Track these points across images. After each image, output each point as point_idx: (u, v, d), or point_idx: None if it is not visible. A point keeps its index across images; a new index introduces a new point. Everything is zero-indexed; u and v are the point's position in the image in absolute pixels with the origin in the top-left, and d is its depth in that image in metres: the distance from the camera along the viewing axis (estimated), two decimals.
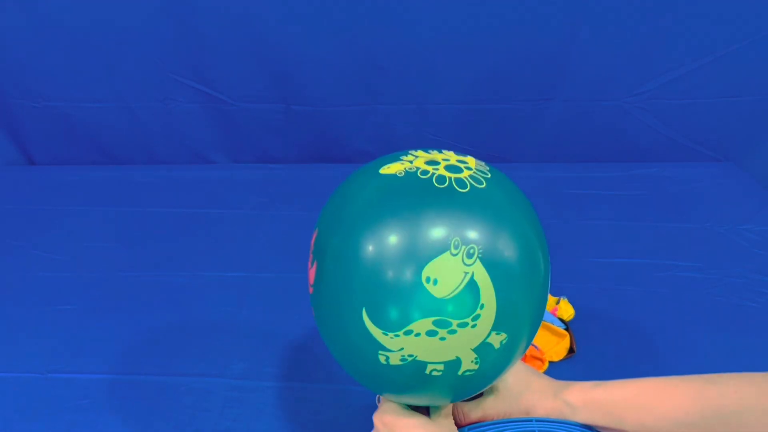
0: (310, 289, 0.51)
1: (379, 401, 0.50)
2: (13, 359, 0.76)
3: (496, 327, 0.44)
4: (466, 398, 0.51)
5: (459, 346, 0.44)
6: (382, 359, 0.45)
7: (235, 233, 0.99)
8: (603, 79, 1.06)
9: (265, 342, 0.78)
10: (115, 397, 0.71)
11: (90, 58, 1.07)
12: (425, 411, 0.49)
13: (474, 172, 0.49)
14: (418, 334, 0.43)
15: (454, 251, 0.42)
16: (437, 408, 0.49)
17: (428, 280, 0.42)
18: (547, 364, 0.72)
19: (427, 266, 0.42)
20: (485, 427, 0.48)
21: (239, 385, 0.72)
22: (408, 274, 0.43)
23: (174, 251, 0.95)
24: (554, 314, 0.78)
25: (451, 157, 0.51)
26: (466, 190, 0.46)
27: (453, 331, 0.43)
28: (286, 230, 0.99)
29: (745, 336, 0.76)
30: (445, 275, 0.42)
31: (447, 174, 0.47)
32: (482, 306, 0.43)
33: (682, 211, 1.01)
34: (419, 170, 0.48)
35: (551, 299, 0.80)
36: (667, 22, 0.98)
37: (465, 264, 0.42)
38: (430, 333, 0.43)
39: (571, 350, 0.74)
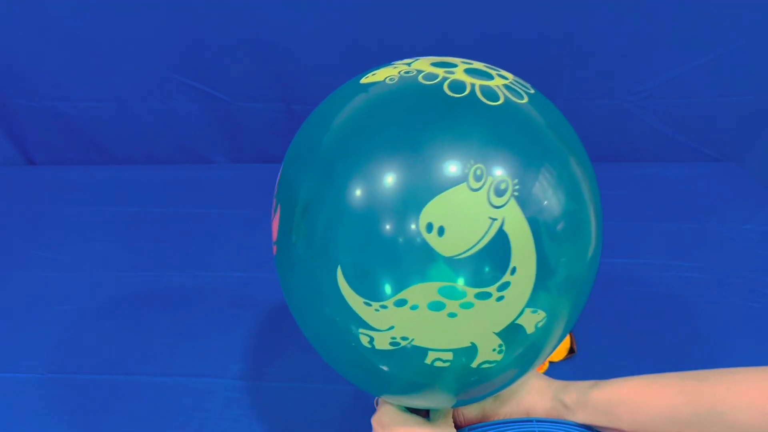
0: (274, 248, 0.40)
1: (377, 404, 0.50)
2: (13, 359, 0.76)
3: (533, 302, 0.32)
4: (475, 401, 0.46)
5: (476, 327, 0.32)
6: (364, 341, 0.33)
7: (235, 233, 0.99)
8: (603, 77, 1.06)
9: (265, 342, 0.78)
10: (115, 397, 0.71)
11: (90, 58, 1.07)
12: (425, 413, 0.49)
13: (511, 83, 0.36)
14: (414, 307, 0.31)
15: (474, 184, 0.30)
16: (437, 410, 0.49)
17: (430, 227, 0.30)
18: (547, 365, 0.72)
19: (429, 205, 0.29)
20: (485, 428, 0.48)
21: (239, 385, 0.72)
22: (399, 218, 0.30)
23: (174, 251, 0.95)
24: None
25: (474, 63, 0.37)
26: (498, 102, 0.33)
27: (468, 305, 0.31)
28: None
29: (746, 336, 0.76)
30: (459, 220, 0.30)
31: (468, 79, 0.34)
32: (514, 270, 0.31)
33: (682, 210, 1.01)
34: (422, 74, 0.34)
35: None
36: (667, 20, 0.98)
37: (491, 204, 0.30)
38: (434, 306, 0.31)
39: (571, 350, 0.74)
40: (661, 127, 1.12)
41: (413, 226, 0.30)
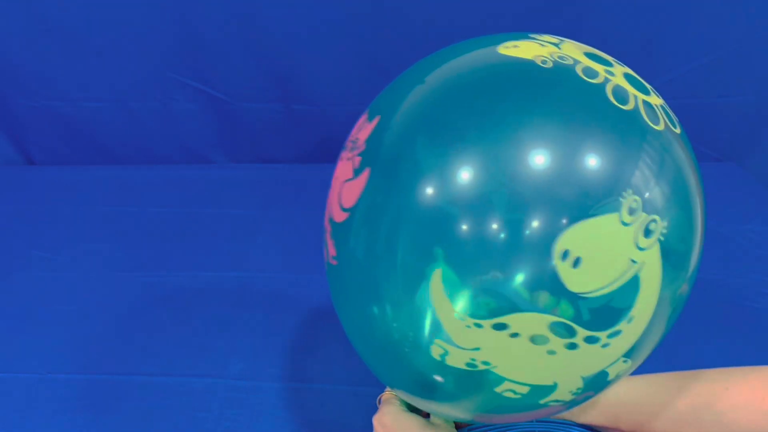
0: (341, 215, 0.32)
1: (379, 402, 0.50)
2: (13, 359, 0.76)
3: (630, 353, 0.29)
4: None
5: (568, 368, 0.29)
6: (435, 352, 0.29)
7: (234, 233, 0.99)
8: None
9: (265, 342, 0.78)
10: (115, 398, 0.71)
11: (90, 58, 1.07)
12: (427, 413, 0.48)
13: (664, 104, 0.32)
14: (515, 335, 0.27)
15: (627, 218, 0.26)
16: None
17: (566, 254, 0.26)
18: None
19: (572, 229, 0.26)
20: (485, 428, 0.48)
21: (239, 385, 0.72)
22: (532, 236, 0.26)
23: (174, 251, 0.95)
24: None
25: (625, 66, 0.32)
26: (660, 127, 0.29)
27: (573, 346, 0.27)
28: (286, 230, 0.99)
29: (746, 336, 0.76)
30: (599, 255, 0.26)
31: (630, 89, 0.29)
32: (631, 319, 0.27)
33: None
34: (580, 65, 0.29)
35: None
36: (668, 20, 0.98)
37: (637, 245, 0.26)
38: (537, 340, 0.27)
39: None
40: None
41: (545, 249, 0.26)
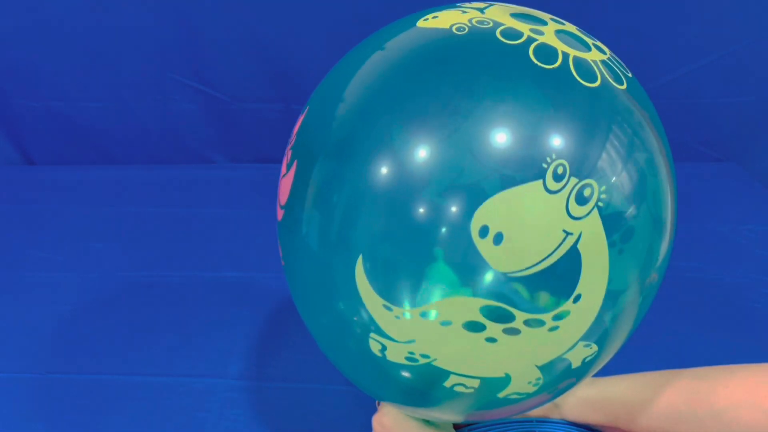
0: (279, 213, 0.33)
1: (378, 404, 0.49)
2: (13, 359, 0.76)
3: (589, 335, 0.27)
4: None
5: (516, 357, 0.27)
6: (374, 348, 0.28)
7: (235, 233, 0.99)
8: None
9: (265, 342, 0.78)
10: (115, 398, 0.71)
11: (89, 58, 1.07)
12: None
13: (609, 59, 0.29)
14: (446, 323, 0.25)
15: (552, 185, 0.23)
16: None
17: (485, 231, 0.23)
18: None
19: (488, 203, 0.23)
20: (485, 428, 0.48)
21: (239, 385, 0.72)
22: (446, 212, 0.24)
23: (174, 251, 0.95)
24: None
25: (567, 23, 0.30)
26: (595, 83, 0.26)
27: (513, 331, 0.25)
28: None
29: (747, 336, 0.76)
30: (524, 229, 0.24)
31: (560, 46, 0.27)
32: (578, 297, 0.25)
33: (683, 210, 1.00)
34: (501, 28, 0.27)
35: None
36: (668, 21, 0.98)
37: (569, 214, 0.24)
38: (471, 326, 0.25)
39: None
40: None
41: (464, 226, 0.23)
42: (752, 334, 0.77)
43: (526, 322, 0.25)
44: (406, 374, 0.29)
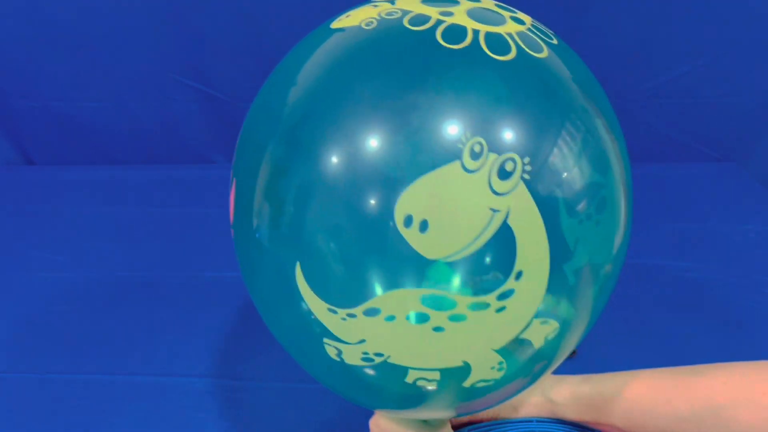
0: (231, 232, 0.34)
1: None
2: (13, 359, 0.76)
3: (544, 312, 0.26)
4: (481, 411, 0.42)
5: (470, 343, 0.26)
6: (331, 353, 0.28)
7: None
8: (603, 77, 1.06)
9: (265, 342, 0.78)
10: (114, 398, 0.71)
11: (89, 58, 1.07)
12: None
13: (529, 29, 0.29)
14: (390, 318, 0.25)
15: (470, 164, 0.23)
16: None
17: (409, 221, 0.23)
18: None
19: (407, 192, 0.23)
20: (485, 428, 0.48)
21: (239, 386, 0.72)
22: (368, 206, 0.24)
23: (174, 251, 0.95)
24: None
25: (482, 1, 0.30)
26: (509, 56, 0.26)
27: (459, 317, 0.25)
28: None
29: (747, 336, 0.76)
30: (447, 213, 0.23)
31: (470, 24, 0.27)
32: (520, 274, 0.24)
33: (682, 211, 1.01)
34: (409, 16, 0.27)
35: None
36: (668, 20, 0.98)
37: (493, 191, 0.23)
38: (416, 318, 0.25)
39: (572, 351, 0.74)
40: (662, 127, 1.12)
41: (388, 218, 0.23)
42: (752, 334, 0.77)
43: (470, 306, 0.24)
44: (368, 375, 0.28)
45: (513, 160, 0.23)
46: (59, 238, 0.99)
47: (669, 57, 1.03)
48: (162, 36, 1.04)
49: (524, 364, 0.29)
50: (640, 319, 0.79)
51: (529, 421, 0.47)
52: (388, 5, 0.29)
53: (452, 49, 0.25)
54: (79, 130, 1.18)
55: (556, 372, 0.50)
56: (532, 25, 0.30)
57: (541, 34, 0.29)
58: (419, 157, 0.23)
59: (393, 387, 0.29)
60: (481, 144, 0.23)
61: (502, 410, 0.48)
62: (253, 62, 1.07)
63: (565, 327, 0.28)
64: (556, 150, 0.25)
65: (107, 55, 1.06)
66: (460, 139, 0.23)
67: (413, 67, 0.25)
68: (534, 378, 0.33)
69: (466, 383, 0.28)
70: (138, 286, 0.88)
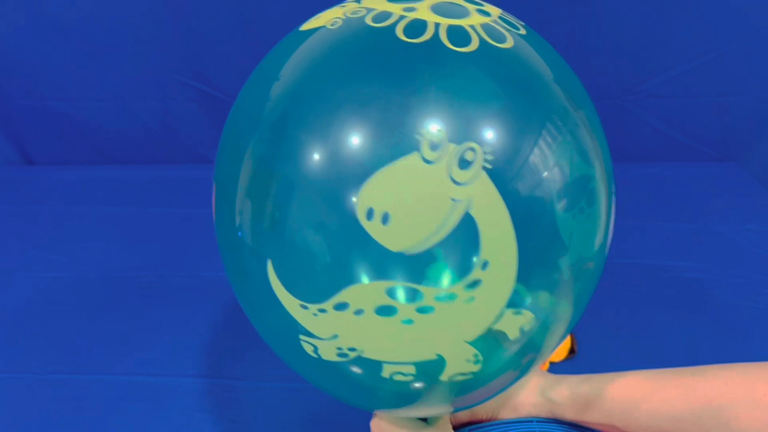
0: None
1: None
2: (13, 359, 0.76)
3: (515, 302, 0.26)
4: (477, 405, 0.42)
5: (441, 335, 0.26)
6: (308, 349, 0.28)
7: None
8: (603, 77, 1.06)
9: (263, 342, 0.78)
10: (114, 398, 0.71)
11: (89, 58, 1.07)
12: (423, 417, 0.48)
13: (495, 21, 0.29)
14: (359, 312, 0.25)
15: (429, 154, 0.23)
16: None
17: (371, 213, 0.23)
18: (547, 365, 0.72)
19: (367, 185, 0.23)
20: (485, 428, 0.48)
21: (239, 386, 0.72)
22: (330, 201, 0.24)
23: (174, 251, 0.95)
24: None
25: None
26: (470, 47, 0.26)
27: (426, 309, 0.25)
28: None
29: (747, 336, 0.76)
30: (408, 204, 0.24)
31: (432, 18, 0.27)
32: (486, 264, 0.24)
33: (683, 210, 1.01)
34: (372, 14, 0.28)
35: None
36: (668, 19, 0.98)
37: (453, 181, 0.23)
38: (383, 311, 0.25)
39: (571, 350, 0.74)
40: (662, 127, 1.12)
41: (350, 212, 0.23)
42: (752, 334, 0.77)
43: (437, 298, 0.24)
44: (347, 371, 0.28)
45: (473, 149, 0.23)
46: (59, 238, 0.99)
47: (669, 56, 1.03)
48: (162, 36, 1.04)
49: (506, 357, 0.29)
50: (640, 319, 0.79)
51: (529, 421, 0.47)
52: (354, 5, 0.30)
53: (412, 44, 0.26)
54: (79, 130, 1.18)
55: (556, 372, 0.50)
56: (499, 17, 0.30)
57: (508, 24, 0.30)
58: (378, 151, 0.24)
59: (372, 383, 0.29)
60: (440, 134, 0.23)
61: (503, 411, 0.48)
62: (253, 62, 1.06)
63: (541, 318, 0.28)
64: (520, 139, 0.25)
65: (107, 55, 1.06)
66: (418, 130, 0.23)
67: (373, 63, 0.26)
68: (523, 370, 0.33)
69: (443, 377, 0.28)
70: (137, 286, 0.88)
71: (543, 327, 0.28)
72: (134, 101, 1.13)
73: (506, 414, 0.48)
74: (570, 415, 0.46)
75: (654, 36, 1.00)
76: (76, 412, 0.69)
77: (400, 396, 0.31)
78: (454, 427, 0.48)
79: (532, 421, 0.47)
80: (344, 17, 0.29)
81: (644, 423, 0.42)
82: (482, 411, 0.49)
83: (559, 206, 0.26)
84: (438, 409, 0.35)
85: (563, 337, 0.33)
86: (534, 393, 0.47)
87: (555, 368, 0.72)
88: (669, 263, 0.89)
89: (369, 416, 0.48)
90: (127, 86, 1.11)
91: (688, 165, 1.13)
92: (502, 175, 0.24)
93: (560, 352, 0.73)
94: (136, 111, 1.14)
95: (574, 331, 0.76)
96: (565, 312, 0.30)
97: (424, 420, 0.47)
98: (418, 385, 0.28)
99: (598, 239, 0.30)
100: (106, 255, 0.94)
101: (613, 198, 0.31)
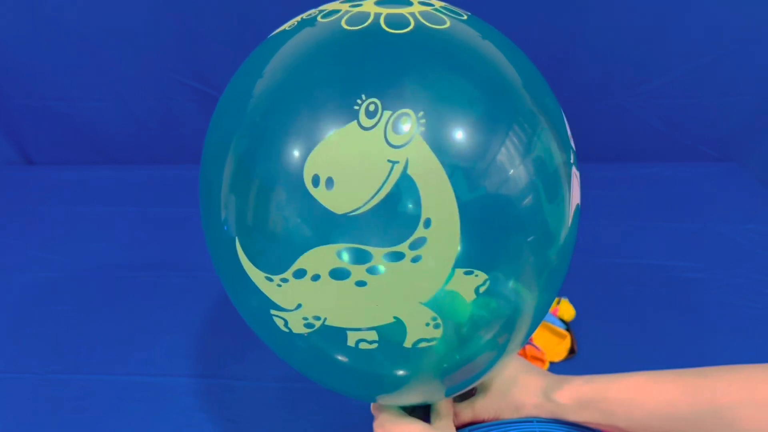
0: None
1: (373, 410, 0.49)
2: (13, 359, 0.76)
3: (464, 262, 0.27)
4: (461, 390, 0.43)
5: (395, 297, 0.27)
6: (279, 324, 0.30)
7: None
8: (603, 78, 1.06)
9: (262, 342, 0.78)
10: (114, 398, 0.71)
11: (89, 58, 1.07)
12: (427, 418, 0.48)
13: (435, 9, 0.32)
14: (316, 277, 0.26)
15: (366, 122, 0.25)
16: (436, 411, 0.48)
17: (316, 180, 0.25)
18: (547, 365, 0.72)
19: (312, 154, 0.26)
20: (485, 428, 0.48)
21: (239, 385, 0.72)
22: (280, 172, 0.27)
23: (174, 251, 0.95)
24: (555, 315, 0.78)
25: None
26: (406, 29, 0.29)
27: (376, 269, 0.26)
28: None
29: (747, 336, 0.76)
30: (349, 168, 0.25)
31: (373, 10, 0.30)
32: (428, 222, 0.25)
33: (683, 211, 1.01)
34: (322, 14, 0.32)
35: None
36: (669, 20, 0.98)
37: (389, 144, 0.25)
38: (336, 273, 0.26)
39: (572, 351, 0.74)
40: (662, 127, 1.12)
41: (298, 180, 0.26)
42: (752, 334, 0.77)
43: (385, 257, 0.26)
44: (318, 345, 0.30)
45: (408, 115, 0.25)
46: (59, 238, 0.99)
47: (669, 57, 1.03)
48: (162, 36, 1.04)
49: (466, 324, 0.29)
50: (640, 319, 0.79)
51: (529, 421, 0.47)
52: (315, 10, 0.33)
53: (353, 31, 0.29)
54: (79, 130, 1.18)
55: (556, 372, 0.50)
56: (442, 7, 0.33)
57: (450, 12, 0.32)
58: (321, 121, 0.26)
59: (340, 353, 0.30)
60: (376, 104, 0.25)
61: (505, 412, 0.48)
62: None
63: (498, 280, 0.28)
64: (453, 102, 0.27)
65: (107, 55, 1.06)
66: (356, 101, 0.26)
67: (318, 49, 0.29)
68: (501, 350, 0.34)
69: (407, 343, 0.29)
70: (137, 286, 0.88)
71: (504, 298, 0.29)
72: (134, 101, 1.13)
73: (509, 414, 0.48)
74: (573, 416, 0.46)
75: (654, 37, 1.00)
76: (76, 412, 0.69)
77: (384, 379, 0.32)
78: (457, 428, 0.48)
79: (532, 422, 0.47)
80: (299, 20, 0.33)
81: (647, 424, 0.42)
82: (484, 412, 0.49)
83: (482, 165, 0.27)
84: (430, 391, 0.36)
85: (541, 310, 0.34)
86: (536, 394, 0.47)
87: (555, 368, 0.72)
88: (669, 263, 0.89)
89: (369, 416, 0.48)
90: (127, 86, 1.11)
91: (688, 165, 1.13)
92: (434, 135, 0.26)
93: (560, 352, 0.73)
94: (136, 111, 1.14)
95: (573, 331, 0.76)
96: (524, 275, 0.30)
97: (428, 421, 0.47)
98: (387, 354, 0.29)
99: (550, 207, 0.30)
100: (106, 255, 0.94)
101: (571, 155, 0.33)
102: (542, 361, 0.72)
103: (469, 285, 0.27)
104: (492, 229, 0.28)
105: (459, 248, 0.26)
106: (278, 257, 0.27)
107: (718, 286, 0.84)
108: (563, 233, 0.32)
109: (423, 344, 0.29)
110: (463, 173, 0.26)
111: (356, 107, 0.26)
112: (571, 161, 0.34)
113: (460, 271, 0.27)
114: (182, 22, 1.02)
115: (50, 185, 1.14)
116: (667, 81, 1.05)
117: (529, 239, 0.29)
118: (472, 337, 0.31)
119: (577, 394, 0.45)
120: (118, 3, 1.00)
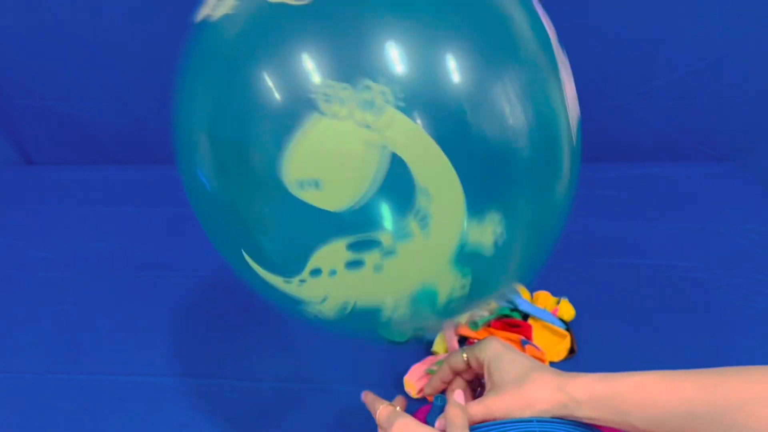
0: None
1: (366, 402, 0.49)
2: (13, 359, 0.76)
3: (475, 208, 0.25)
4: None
5: (416, 268, 0.27)
6: (312, 314, 0.31)
7: None
8: (604, 78, 1.06)
9: (266, 342, 0.78)
10: (114, 398, 0.71)
11: (90, 58, 1.07)
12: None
13: None
14: (333, 272, 0.26)
15: (328, 109, 0.22)
16: (451, 422, 0.46)
17: (301, 185, 0.24)
18: (547, 365, 0.72)
19: (286, 161, 0.23)
20: (486, 428, 0.48)
21: (239, 386, 0.72)
22: (264, 184, 0.25)
23: (173, 251, 0.95)
24: (555, 315, 0.78)
25: None
26: (307, 1, 0.26)
27: (389, 252, 0.25)
28: None
29: (747, 336, 0.76)
30: (331, 164, 0.23)
31: None
32: (425, 192, 0.24)
33: (683, 211, 1.01)
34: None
35: (551, 299, 0.80)
36: (669, 21, 0.98)
37: (366, 126, 0.22)
38: (352, 265, 0.26)
39: (572, 351, 0.74)
40: (662, 126, 1.12)
41: (281, 187, 0.24)
42: (752, 335, 0.77)
43: (395, 238, 0.25)
44: (353, 324, 0.30)
45: (370, 88, 0.22)
46: (58, 237, 0.99)
47: (670, 58, 1.03)
48: (162, 36, 1.04)
49: (489, 266, 0.29)
50: (640, 319, 0.79)
51: (529, 421, 0.47)
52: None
53: (295, 5, 0.25)
54: (79, 130, 1.18)
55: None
56: None
57: None
58: (282, 123, 0.23)
59: (377, 324, 0.30)
60: (332, 87, 0.22)
61: (517, 408, 0.48)
62: None
63: (511, 218, 0.27)
64: (426, 64, 0.24)
65: (107, 55, 1.06)
66: (310, 90, 0.23)
67: (252, 31, 0.27)
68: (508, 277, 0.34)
69: (439, 303, 0.29)
70: (137, 286, 0.88)
71: (513, 238, 0.29)
72: (134, 101, 1.13)
73: (521, 409, 0.47)
74: (587, 412, 0.45)
75: (655, 37, 1.00)
76: (75, 412, 0.69)
77: (390, 329, 0.33)
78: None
79: (532, 421, 0.47)
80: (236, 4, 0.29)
81: (662, 422, 0.42)
82: (497, 409, 0.49)
83: (476, 125, 0.25)
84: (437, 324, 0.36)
85: (547, 245, 0.33)
86: (550, 389, 0.47)
87: (555, 367, 0.72)
88: (669, 263, 0.89)
89: (370, 417, 0.48)
90: (127, 86, 1.11)
91: (688, 165, 1.13)
92: (413, 104, 0.23)
93: (560, 352, 0.73)
94: (136, 111, 1.14)
95: (573, 331, 0.76)
96: (529, 208, 0.30)
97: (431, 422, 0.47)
98: (421, 314, 0.30)
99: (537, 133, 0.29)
100: (106, 255, 0.94)
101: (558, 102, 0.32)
102: (542, 360, 0.72)
103: (486, 232, 0.26)
104: (495, 189, 0.26)
105: (463, 200, 0.25)
106: (289, 262, 0.27)
107: (718, 286, 0.84)
108: (557, 144, 0.31)
109: (455, 296, 0.29)
110: (454, 141, 0.24)
111: (312, 95, 0.23)
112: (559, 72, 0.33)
113: (473, 223, 0.25)
114: (182, 22, 1.02)
115: (50, 185, 1.14)
116: (668, 80, 1.05)
117: (538, 176, 0.28)
118: (498, 274, 0.31)
119: (592, 391, 0.45)
120: (118, 3, 1.00)
